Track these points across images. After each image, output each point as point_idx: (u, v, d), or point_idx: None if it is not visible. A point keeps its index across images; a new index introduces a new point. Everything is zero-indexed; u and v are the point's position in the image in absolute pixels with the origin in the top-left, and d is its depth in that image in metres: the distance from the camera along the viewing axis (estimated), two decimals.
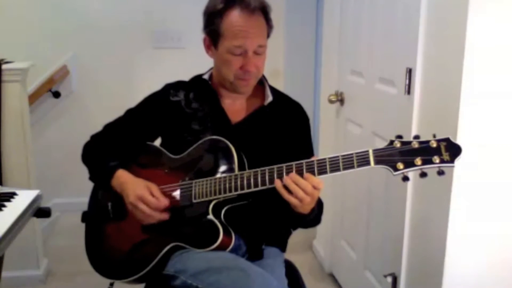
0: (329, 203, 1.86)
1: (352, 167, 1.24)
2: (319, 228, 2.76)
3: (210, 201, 1.40)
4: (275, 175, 1.31)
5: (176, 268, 1.39)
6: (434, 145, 1.20)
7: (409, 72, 1.75)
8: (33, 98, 3.09)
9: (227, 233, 1.39)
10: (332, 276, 2.69)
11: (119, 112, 1.62)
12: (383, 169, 1.22)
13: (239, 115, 1.55)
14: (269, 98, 1.56)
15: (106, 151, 1.56)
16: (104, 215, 1.56)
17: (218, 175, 1.40)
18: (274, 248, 1.58)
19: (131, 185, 1.45)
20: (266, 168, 1.33)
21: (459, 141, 1.21)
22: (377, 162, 1.22)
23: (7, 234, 1.31)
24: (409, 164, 1.20)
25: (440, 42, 1.61)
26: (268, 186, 1.32)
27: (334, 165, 1.25)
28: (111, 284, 1.60)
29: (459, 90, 1.49)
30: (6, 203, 1.47)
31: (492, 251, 1.63)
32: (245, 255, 1.49)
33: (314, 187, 1.27)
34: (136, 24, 3.35)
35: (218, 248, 1.38)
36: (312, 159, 1.29)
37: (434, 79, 1.66)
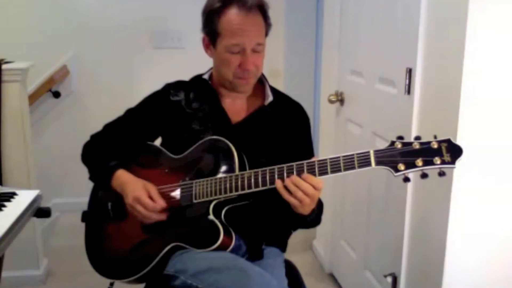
0: (329, 203, 1.86)
1: (353, 167, 1.24)
2: (319, 228, 2.75)
3: (211, 201, 1.40)
4: (276, 176, 1.31)
5: (176, 268, 1.39)
6: (435, 146, 1.20)
7: (409, 72, 1.75)
8: (33, 98, 3.09)
9: (227, 233, 1.39)
10: (332, 276, 2.69)
11: (119, 112, 1.62)
12: (383, 169, 1.23)
13: (239, 115, 1.55)
14: (270, 98, 1.56)
15: (106, 151, 1.56)
16: (104, 215, 1.56)
17: (219, 175, 1.40)
18: (274, 248, 1.58)
19: (130, 186, 1.45)
20: (267, 168, 1.33)
21: (458, 141, 1.21)
22: (378, 163, 1.22)
23: (7, 234, 1.31)
24: (410, 165, 1.20)
25: (440, 42, 1.61)
26: (268, 186, 1.32)
27: (335, 165, 1.25)
28: (111, 284, 1.60)
29: (459, 90, 1.49)
30: (6, 203, 1.47)
31: (492, 251, 1.63)
32: (245, 255, 1.49)
33: (314, 187, 1.27)
34: (136, 24, 3.35)
35: (219, 248, 1.38)
36: (313, 159, 1.29)
37: (434, 79, 1.66)
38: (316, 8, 3.50)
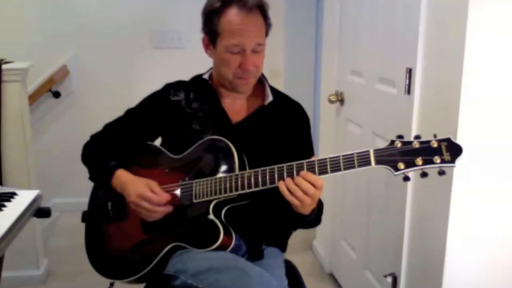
0: (329, 203, 1.86)
1: (353, 167, 1.24)
2: (319, 228, 2.75)
3: (211, 201, 1.40)
4: (276, 175, 1.31)
5: (177, 268, 1.39)
6: (435, 145, 1.20)
7: (409, 72, 1.75)
8: (33, 98, 3.09)
9: (227, 233, 1.39)
10: (332, 276, 2.69)
11: (119, 112, 1.62)
12: (383, 169, 1.23)
13: (239, 115, 1.55)
14: (269, 98, 1.56)
15: (106, 151, 1.56)
16: (104, 215, 1.56)
17: (219, 175, 1.40)
18: (274, 248, 1.58)
19: (132, 184, 1.44)
20: (267, 168, 1.33)
21: (458, 141, 1.21)
22: (378, 162, 1.22)
23: (7, 234, 1.31)
24: (410, 164, 1.20)
25: (440, 42, 1.61)
26: (268, 186, 1.32)
27: (335, 165, 1.25)
28: (111, 284, 1.60)
29: (459, 90, 1.49)
30: (6, 203, 1.47)
31: (492, 251, 1.63)
32: (245, 255, 1.49)
33: (313, 185, 1.27)
34: (136, 24, 3.35)
35: (219, 248, 1.38)
36: (313, 159, 1.29)
37: (434, 79, 1.66)
38: (316, 8, 3.50)
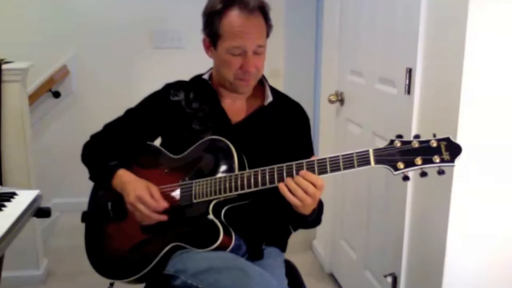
0: (329, 203, 1.86)
1: (353, 166, 1.24)
2: (319, 228, 2.75)
3: (211, 201, 1.40)
4: (275, 175, 1.31)
5: (176, 268, 1.39)
6: (434, 144, 1.20)
7: (409, 72, 1.75)
8: (33, 98, 3.09)
9: (227, 233, 1.39)
10: (332, 276, 2.69)
11: (119, 112, 1.62)
12: (383, 168, 1.22)
13: (239, 115, 1.55)
14: (269, 98, 1.56)
15: (106, 151, 1.56)
16: (104, 215, 1.56)
17: (219, 175, 1.40)
18: (274, 248, 1.58)
19: (132, 185, 1.44)
20: (267, 168, 1.33)
21: (459, 140, 1.21)
22: (378, 161, 1.22)
23: (7, 234, 1.31)
24: (410, 164, 1.20)
25: (440, 42, 1.61)
26: (268, 186, 1.32)
27: (334, 164, 1.25)
28: (111, 284, 1.60)
29: (459, 90, 1.49)
30: (6, 203, 1.47)
31: (492, 251, 1.63)
32: (245, 255, 1.49)
33: (314, 185, 1.27)
34: (136, 24, 3.35)
35: (219, 248, 1.38)
36: (312, 158, 1.29)
37: (434, 79, 1.66)
38: (316, 8, 3.50)
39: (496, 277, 1.65)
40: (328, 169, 1.26)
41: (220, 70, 1.50)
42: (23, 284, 2.54)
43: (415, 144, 1.21)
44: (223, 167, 1.42)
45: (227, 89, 1.54)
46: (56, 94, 3.32)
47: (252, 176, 1.34)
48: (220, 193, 1.38)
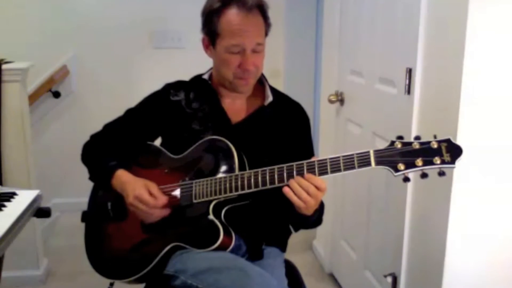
0: (329, 203, 1.86)
1: (353, 167, 1.24)
2: (319, 228, 2.74)
3: (211, 201, 1.40)
4: (276, 176, 1.31)
5: (176, 268, 1.39)
6: (435, 146, 1.20)
7: (409, 72, 1.75)
8: (33, 98, 3.10)
9: (227, 233, 1.39)
10: (332, 276, 2.69)
11: (119, 112, 1.62)
12: (383, 169, 1.22)
13: (239, 115, 1.55)
14: (269, 98, 1.56)
15: (106, 151, 1.56)
16: (104, 215, 1.56)
17: (219, 175, 1.40)
18: (274, 248, 1.58)
19: (131, 185, 1.44)
20: (267, 168, 1.33)
21: (458, 141, 1.21)
22: (378, 162, 1.22)
23: (7, 234, 1.31)
24: (410, 165, 1.20)
25: (440, 42, 1.61)
26: (268, 186, 1.32)
27: (335, 165, 1.25)
28: (111, 284, 1.60)
29: (459, 90, 1.49)
30: (6, 203, 1.47)
31: (492, 251, 1.63)
32: (245, 255, 1.49)
33: (317, 188, 1.27)
34: (136, 24, 3.35)
35: (219, 248, 1.38)
36: (313, 159, 1.29)
37: (434, 79, 1.66)
38: (316, 8, 3.50)
39: (496, 277, 1.65)
40: (329, 170, 1.26)
41: (219, 69, 1.50)
42: (23, 284, 2.53)
43: (416, 146, 1.21)
44: (223, 167, 1.42)
45: (227, 89, 1.54)
46: (56, 94, 3.32)
47: (252, 177, 1.34)
48: (220, 193, 1.38)
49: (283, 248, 1.62)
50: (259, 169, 1.34)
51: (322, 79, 2.76)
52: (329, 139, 2.64)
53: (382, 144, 1.25)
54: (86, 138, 1.62)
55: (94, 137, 1.61)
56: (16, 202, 1.51)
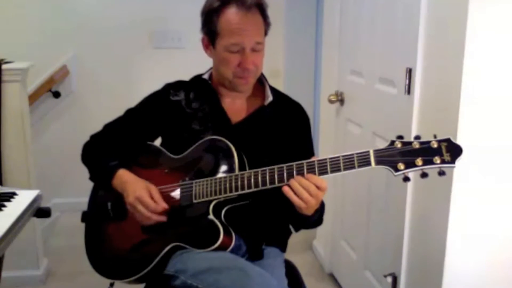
0: (329, 203, 1.86)
1: (353, 167, 1.24)
2: (319, 228, 2.75)
3: (211, 201, 1.40)
4: (276, 176, 1.31)
5: (177, 268, 1.39)
6: (435, 145, 1.20)
7: (409, 72, 1.75)
8: (33, 98, 3.09)
9: (227, 233, 1.39)
10: (332, 276, 2.69)
11: (119, 112, 1.62)
12: (383, 169, 1.22)
13: (239, 115, 1.55)
14: (269, 98, 1.56)
15: (106, 151, 1.56)
16: (104, 215, 1.56)
17: (219, 175, 1.40)
18: (274, 248, 1.58)
19: (132, 185, 1.44)
20: (267, 168, 1.33)
21: (458, 140, 1.21)
22: (378, 162, 1.22)
23: (7, 234, 1.31)
24: (410, 165, 1.20)
25: (440, 42, 1.61)
26: (268, 186, 1.32)
27: (334, 165, 1.25)
28: (111, 284, 1.60)
29: (459, 90, 1.49)
30: (6, 203, 1.47)
31: (492, 251, 1.63)
32: (245, 255, 1.49)
33: (318, 187, 1.27)
34: (136, 24, 3.35)
35: (219, 248, 1.38)
36: (313, 159, 1.29)
37: (434, 79, 1.66)
38: (316, 8, 3.50)
39: (496, 277, 1.65)
40: (329, 169, 1.26)
41: (219, 68, 1.50)
42: (23, 284, 2.53)
43: (416, 145, 1.21)
44: (223, 167, 1.42)
45: (227, 88, 1.54)
46: (56, 94, 3.32)
47: (252, 177, 1.34)
48: (220, 193, 1.38)
49: (283, 248, 1.62)
50: (259, 169, 1.34)
51: (322, 79, 2.76)
52: (329, 139, 2.64)
53: (382, 144, 1.25)
54: (86, 138, 1.62)
55: (94, 137, 1.61)
56: (16, 202, 1.51)
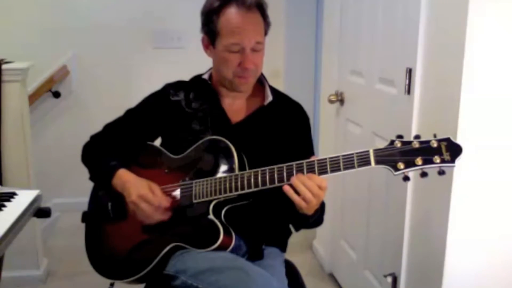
0: (329, 203, 1.85)
1: (353, 167, 1.24)
2: (319, 228, 2.74)
3: (211, 201, 1.40)
4: (276, 175, 1.31)
5: (177, 268, 1.39)
6: (435, 145, 1.20)
7: (409, 72, 1.75)
8: (33, 98, 3.09)
9: (227, 233, 1.39)
10: (332, 276, 2.69)
11: (119, 112, 1.62)
12: (383, 169, 1.22)
13: (239, 115, 1.55)
14: (269, 98, 1.56)
15: (106, 151, 1.56)
16: (104, 215, 1.56)
17: (219, 175, 1.40)
18: (274, 248, 1.58)
19: (133, 185, 1.44)
20: (267, 168, 1.33)
21: (458, 140, 1.21)
22: (378, 162, 1.22)
23: (7, 234, 1.31)
24: (410, 164, 1.20)
25: (440, 42, 1.61)
26: (268, 186, 1.32)
27: (334, 165, 1.25)
28: (111, 284, 1.60)
29: (459, 90, 1.49)
30: (6, 203, 1.47)
31: (492, 252, 1.63)
32: (246, 255, 1.49)
33: (319, 187, 1.27)
34: (136, 24, 3.36)
35: (219, 248, 1.38)
36: (312, 158, 1.29)
37: (434, 79, 1.66)
38: (316, 8, 3.50)
39: (496, 277, 1.65)
40: (329, 169, 1.26)
41: (219, 68, 1.50)
42: (23, 284, 2.53)
43: (416, 145, 1.21)
44: (223, 167, 1.42)
45: (227, 88, 1.54)
46: (56, 94, 3.32)
47: (252, 176, 1.34)
48: (220, 193, 1.38)
49: (283, 248, 1.62)
50: (259, 169, 1.34)
51: (322, 79, 2.76)
52: (329, 139, 2.64)
53: (382, 144, 1.25)
54: (86, 138, 1.62)
55: (94, 138, 1.61)
56: (16, 202, 1.51)
